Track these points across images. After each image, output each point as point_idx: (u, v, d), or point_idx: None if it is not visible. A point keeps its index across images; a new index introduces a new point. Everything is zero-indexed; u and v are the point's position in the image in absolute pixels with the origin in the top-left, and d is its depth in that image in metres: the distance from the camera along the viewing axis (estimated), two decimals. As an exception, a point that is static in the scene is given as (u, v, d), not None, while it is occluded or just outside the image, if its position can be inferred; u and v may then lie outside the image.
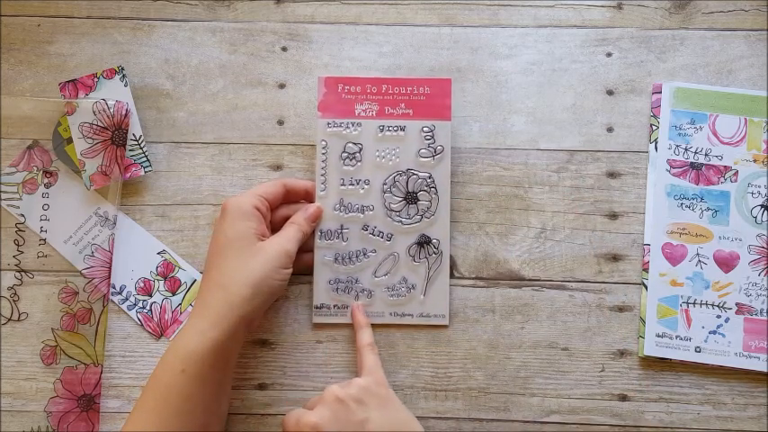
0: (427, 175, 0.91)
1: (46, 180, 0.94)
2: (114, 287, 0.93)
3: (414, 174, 0.91)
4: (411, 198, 0.91)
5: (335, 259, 0.91)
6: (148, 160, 0.94)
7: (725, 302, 0.91)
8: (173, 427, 0.77)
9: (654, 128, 0.94)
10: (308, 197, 0.91)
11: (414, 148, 0.91)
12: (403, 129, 0.91)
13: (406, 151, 0.91)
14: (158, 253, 0.94)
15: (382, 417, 0.80)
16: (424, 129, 0.91)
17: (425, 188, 0.91)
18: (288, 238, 0.85)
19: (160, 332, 0.93)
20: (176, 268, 0.94)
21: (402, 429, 0.80)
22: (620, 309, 0.92)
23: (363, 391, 0.81)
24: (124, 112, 0.93)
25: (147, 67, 0.97)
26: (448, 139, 0.91)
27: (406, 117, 0.91)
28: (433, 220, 0.91)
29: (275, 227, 0.89)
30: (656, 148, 0.94)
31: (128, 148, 0.94)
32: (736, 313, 0.91)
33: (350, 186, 0.91)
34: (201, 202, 0.95)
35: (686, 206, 0.93)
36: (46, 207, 0.94)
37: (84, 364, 0.92)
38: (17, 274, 0.94)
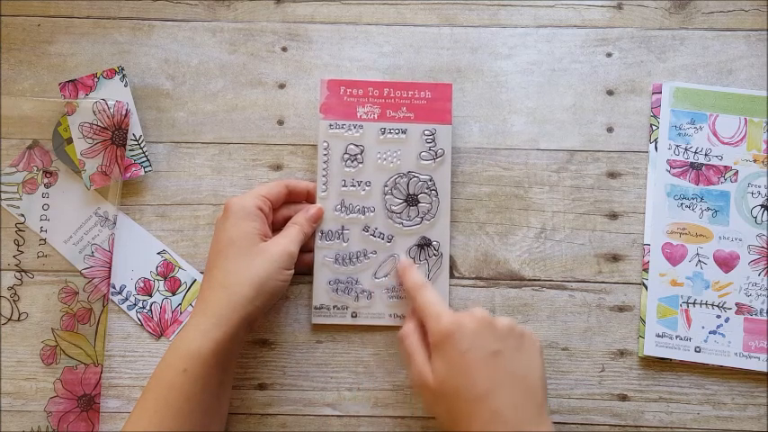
0: (428, 177, 0.91)
1: (46, 180, 0.94)
2: (114, 287, 0.93)
3: (414, 176, 0.91)
4: (412, 200, 0.91)
5: (336, 260, 0.91)
6: (148, 160, 0.94)
7: (725, 302, 0.91)
8: (173, 427, 0.77)
9: (654, 128, 0.94)
10: (309, 198, 0.92)
11: (415, 150, 0.91)
12: (404, 132, 0.91)
13: (407, 154, 0.91)
14: (158, 253, 0.94)
15: (514, 354, 0.78)
16: (426, 132, 0.91)
17: (426, 191, 0.91)
18: (290, 239, 0.85)
19: (160, 332, 0.93)
20: (176, 268, 0.94)
21: (525, 381, 0.77)
22: (620, 309, 0.92)
23: (508, 326, 0.79)
24: (124, 112, 0.93)
25: (147, 67, 0.97)
26: (449, 142, 0.91)
27: (408, 120, 0.91)
28: (433, 223, 0.91)
29: (276, 227, 0.90)
30: (656, 148, 0.94)
31: (128, 148, 0.94)
32: (736, 313, 0.91)
33: (351, 188, 0.91)
34: (201, 202, 0.95)
35: (686, 206, 0.93)
36: (46, 207, 0.94)
37: (84, 364, 0.92)
38: (17, 274, 0.94)
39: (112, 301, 0.93)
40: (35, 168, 0.94)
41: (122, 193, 0.94)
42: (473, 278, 0.93)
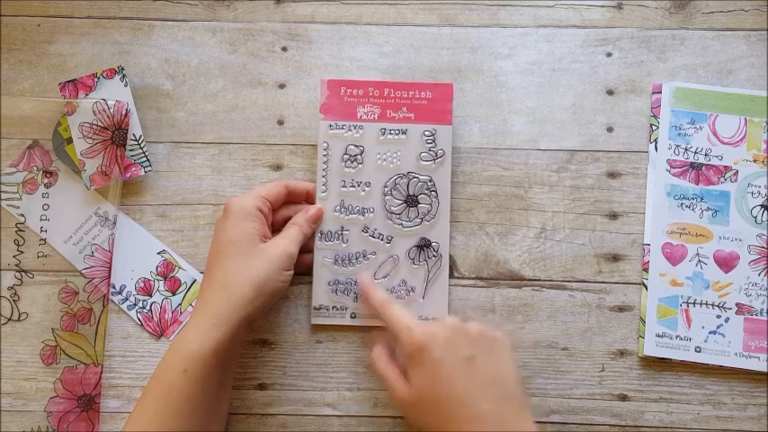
0: (428, 178, 0.91)
1: (46, 180, 0.94)
2: (114, 287, 0.93)
3: (414, 177, 0.91)
4: (411, 201, 0.91)
5: (335, 261, 0.91)
6: (148, 160, 0.94)
7: (725, 302, 0.91)
8: (173, 427, 0.77)
9: (654, 128, 0.94)
10: (308, 198, 0.92)
11: (415, 151, 0.91)
12: (404, 132, 0.91)
13: (407, 154, 0.91)
14: (158, 253, 0.94)
15: (486, 358, 0.79)
16: (426, 132, 0.91)
17: (426, 191, 0.91)
18: (290, 240, 0.85)
19: (160, 332, 0.93)
20: (176, 268, 0.94)
21: (502, 382, 0.79)
22: (620, 309, 0.92)
23: (479, 331, 0.80)
24: (124, 112, 0.93)
25: (147, 67, 0.97)
26: (449, 143, 0.91)
27: (408, 121, 0.91)
28: (433, 224, 0.91)
29: (276, 227, 0.90)
30: (656, 148, 0.94)
31: (128, 147, 0.94)
32: (736, 313, 0.91)
33: (351, 188, 0.91)
34: (201, 202, 0.95)
35: (686, 206, 0.93)
36: (46, 207, 0.94)
37: (84, 364, 0.92)
38: (17, 274, 0.94)
39: (112, 301, 0.93)
40: (35, 168, 0.95)
41: (122, 193, 0.94)
42: (473, 278, 0.93)
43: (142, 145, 0.94)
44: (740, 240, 0.92)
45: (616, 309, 0.92)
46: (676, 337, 0.91)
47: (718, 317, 0.91)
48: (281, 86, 0.97)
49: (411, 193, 0.91)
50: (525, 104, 0.96)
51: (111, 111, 0.93)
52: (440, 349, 0.78)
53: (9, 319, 0.93)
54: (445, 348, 0.78)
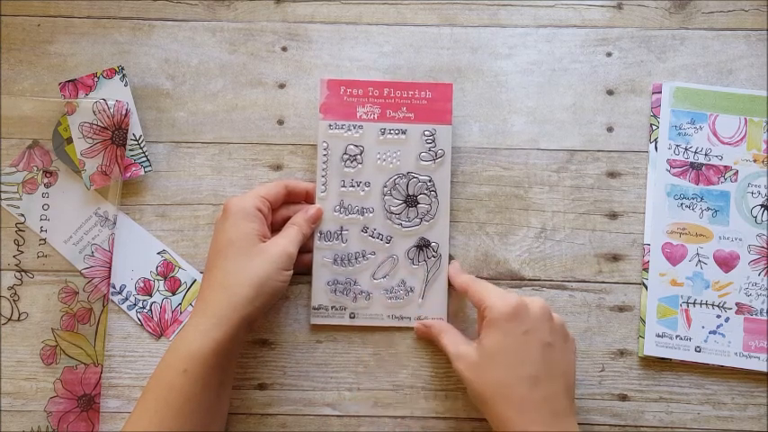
0: (427, 178, 0.91)
1: (46, 180, 0.94)
2: (114, 287, 0.93)
3: (414, 177, 0.91)
4: (411, 201, 0.91)
5: (335, 261, 0.91)
6: (148, 160, 0.94)
7: (725, 302, 0.91)
8: (173, 427, 0.77)
9: (654, 128, 0.94)
10: (308, 198, 0.91)
11: (414, 151, 0.91)
12: (404, 132, 0.91)
13: (406, 154, 0.91)
14: (158, 253, 0.94)
15: (562, 351, 0.82)
16: (426, 132, 0.91)
17: (425, 191, 0.91)
18: (289, 240, 0.85)
19: (160, 332, 0.93)
20: (176, 268, 0.94)
21: (569, 377, 0.82)
22: (621, 309, 0.92)
23: (561, 324, 0.83)
24: (124, 112, 0.93)
25: (147, 67, 0.97)
26: (448, 143, 0.91)
27: (408, 120, 0.91)
28: (432, 224, 0.91)
29: (275, 227, 0.89)
30: (656, 148, 0.94)
31: (128, 147, 0.94)
32: (736, 313, 0.91)
33: (350, 188, 0.91)
34: (201, 202, 0.95)
35: (686, 206, 0.93)
36: (46, 207, 0.94)
37: (84, 363, 0.92)
38: (17, 274, 0.94)
39: (112, 301, 0.93)
40: (35, 168, 0.94)
41: (122, 193, 0.94)
42: (473, 278, 0.93)
43: (142, 145, 0.94)
44: (740, 240, 0.92)
45: (616, 309, 0.92)
46: (676, 336, 0.91)
47: (719, 317, 0.91)
48: (281, 86, 0.96)
49: (411, 193, 0.91)
50: (525, 104, 0.96)
51: (111, 111, 0.93)
52: (529, 323, 0.81)
53: (9, 319, 0.93)
54: (533, 325, 0.81)
